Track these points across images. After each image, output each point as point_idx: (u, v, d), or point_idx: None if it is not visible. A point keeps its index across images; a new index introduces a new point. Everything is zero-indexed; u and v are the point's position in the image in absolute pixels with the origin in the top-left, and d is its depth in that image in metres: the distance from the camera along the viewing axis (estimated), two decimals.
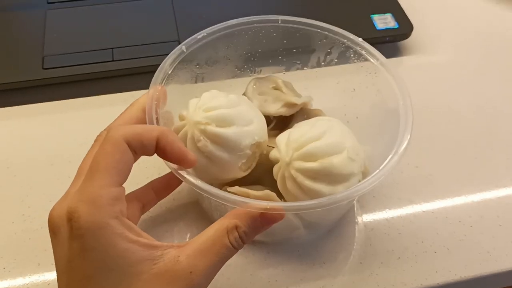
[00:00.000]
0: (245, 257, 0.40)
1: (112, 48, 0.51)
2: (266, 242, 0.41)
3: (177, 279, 0.29)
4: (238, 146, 0.37)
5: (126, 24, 0.54)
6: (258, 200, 0.32)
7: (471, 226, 0.43)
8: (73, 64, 0.49)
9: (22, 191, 0.44)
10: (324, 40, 0.44)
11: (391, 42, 0.56)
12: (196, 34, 0.42)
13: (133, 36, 0.53)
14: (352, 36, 0.43)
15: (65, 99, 0.51)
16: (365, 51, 0.42)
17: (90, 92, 0.51)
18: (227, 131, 0.37)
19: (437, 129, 0.51)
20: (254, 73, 0.48)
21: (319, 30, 0.44)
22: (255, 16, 0.44)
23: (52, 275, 0.39)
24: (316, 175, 0.36)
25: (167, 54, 0.50)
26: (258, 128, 0.39)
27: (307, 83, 0.48)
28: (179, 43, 0.51)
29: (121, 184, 0.31)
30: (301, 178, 0.36)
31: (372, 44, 0.53)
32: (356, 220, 0.43)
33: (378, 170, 0.34)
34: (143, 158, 0.33)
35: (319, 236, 0.42)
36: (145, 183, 0.41)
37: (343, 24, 0.53)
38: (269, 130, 0.45)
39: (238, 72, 0.47)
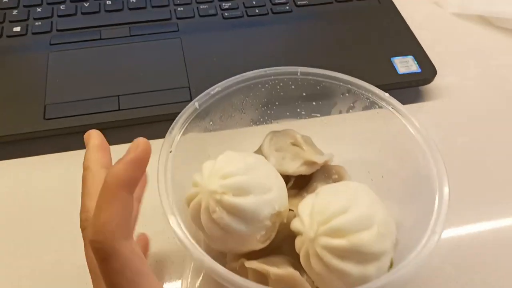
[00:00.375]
0: None
1: (118, 96, 0.48)
2: None
3: None
4: (256, 217, 0.34)
5: (133, 68, 0.51)
6: None
7: None
8: (76, 114, 0.46)
9: (21, 245, 0.41)
10: (347, 94, 0.41)
11: (413, 87, 0.53)
12: (209, 89, 0.39)
13: (141, 81, 0.50)
14: (377, 90, 0.40)
15: (69, 151, 0.48)
16: (392, 107, 0.39)
17: None
18: (245, 201, 0.33)
19: (464, 182, 0.47)
20: (271, 123, 0.44)
21: (341, 83, 0.41)
22: (272, 68, 0.41)
23: None
24: (345, 253, 0.32)
25: (177, 103, 0.48)
26: (278, 196, 0.35)
27: (326, 135, 0.44)
28: (189, 89, 0.49)
29: None
30: (328, 257, 0.33)
31: (393, 89, 0.50)
32: None
33: (416, 253, 0.31)
34: None
35: None
36: None
37: (363, 68, 0.51)
38: (288, 189, 0.42)
39: (253, 125, 0.43)
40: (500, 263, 0.41)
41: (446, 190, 0.34)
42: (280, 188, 0.36)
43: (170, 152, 0.36)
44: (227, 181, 0.34)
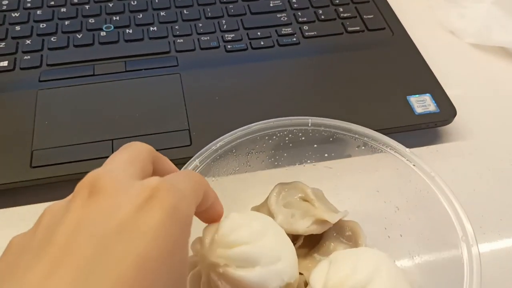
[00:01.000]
0: None
1: (111, 140, 0.44)
2: None
3: None
4: None
5: (128, 108, 0.47)
6: None
7: None
8: (66, 161, 0.42)
9: None
10: (363, 147, 0.37)
11: (431, 128, 0.49)
12: (212, 144, 0.35)
13: (136, 123, 0.46)
14: (397, 145, 0.36)
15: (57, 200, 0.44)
16: (414, 164, 0.35)
17: None
18: (250, 275, 0.30)
19: (486, 235, 0.43)
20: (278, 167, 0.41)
21: (356, 136, 0.37)
22: (281, 118, 0.37)
23: None
24: None
25: (176, 147, 0.44)
26: (287, 266, 0.31)
27: (339, 186, 0.41)
28: (189, 132, 0.45)
29: None
30: None
31: (410, 130, 0.47)
32: None
33: None
34: None
35: None
36: None
37: (378, 108, 0.48)
38: (297, 249, 0.38)
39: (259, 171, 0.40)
40: None
41: (476, 257, 0.31)
42: (289, 256, 0.32)
43: None
44: (231, 252, 0.30)
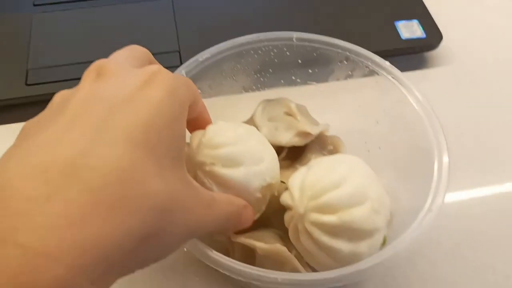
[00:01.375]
0: None
1: None
2: None
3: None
4: (246, 189, 0.32)
5: (120, 31, 0.48)
6: (267, 272, 0.27)
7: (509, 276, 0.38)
8: (60, 79, 0.44)
9: None
10: (345, 62, 0.38)
11: (417, 53, 0.50)
12: (198, 55, 0.37)
13: (128, 44, 0.47)
14: (377, 58, 0.37)
15: None
16: (392, 76, 0.37)
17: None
18: (235, 173, 0.31)
19: (469, 153, 0.45)
20: (263, 90, 0.42)
21: (339, 50, 0.38)
22: (266, 33, 0.38)
23: None
24: (335, 230, 0.31)
25: (166, 68, 0.45)
26: (269, 168, 0.33)
27: (323, 104, 0.42)
28: (179, 54, 0.47)
29: None
30: (317, 234, 0.31)
31: (396, 55, 0.48)
32: None
33: (410, 231, 0.29)
34: None
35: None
36: None
37: (365, 32, 0.48)
38: (280, 161, 0.40)
39: (246, 93, 0.41)
40: (500, 235, 0.39)
41: (445, 165, 0.33)
42: (271, 159, 0.34)
43: None
44: (217, 152, 0.32)
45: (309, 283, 0.27)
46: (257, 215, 0.34)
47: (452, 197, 0.42)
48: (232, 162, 0.32)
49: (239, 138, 0.33)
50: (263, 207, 0.34)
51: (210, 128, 0.34)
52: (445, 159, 0.33)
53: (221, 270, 0.28)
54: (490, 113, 0.48)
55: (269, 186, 0.33)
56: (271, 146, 0.35)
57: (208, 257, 0.28)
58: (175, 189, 0.23)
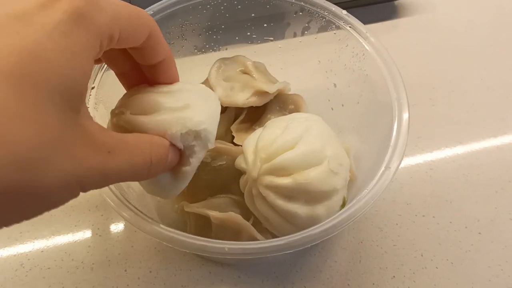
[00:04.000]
0: (211, 283, 0.34)
1: None
2: (235, 265, 0.35)
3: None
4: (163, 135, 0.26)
5: None
6: (214, 242, 0.26)
7: (480, 233, 0.36)
8: None
9: None
10: (300, 13, 0.36)
11: (388, 2, 0.47)
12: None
13: None
14: (333, 7, 0.35)
15: None
16: (350, 26, 0.34)
17: None
18: (145, 120, 0.26)
19: (438, 107, 0.43)
20: (219, 51, 0.39)
21: (293, 0, 0.35)
22: None
23: None
24: (290, 192, 0.29)
25: None
26: (195, 115, 0.26)
27: (282, 61, 0.40)
28: None
29: None
30: (272, 197, 0.29)
31: (367, 4, 0.45)
32: (342, 230, 0.36)
33: (367, 191, 0.27)
34: None
35: (298, 252, 0.35)
36: None
37: None
38: (238, 123, 0.38)
39: (199, 53, 0.39)
40: (466, 203, 0.38)
41: (405, 119, 0.30)
42: (203, 109, 0.27)
43: (92, 88, 0.31)
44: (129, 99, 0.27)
45: (257, 251, 0.25)
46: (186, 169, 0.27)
47: (415, 154, 0.40)
48: (146, 109, 0.26)
49: (170, 90, 0.28)
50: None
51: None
52: (405, 115, 0.31)
53: (165, 243, 0.26)
54: (459, 69, 0.46)
55: (195, 136, 0.26)
56: (218, 103, 0.29)
57: (151, 230, 0.26)
58: (52, 136, 0.19)
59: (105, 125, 0.30)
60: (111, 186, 0.27)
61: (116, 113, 0.26)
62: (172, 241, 0.25)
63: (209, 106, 0.28)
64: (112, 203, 0.26)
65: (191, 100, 0.27)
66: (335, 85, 0.38)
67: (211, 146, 0.27)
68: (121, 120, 0.26)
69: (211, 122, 0.27)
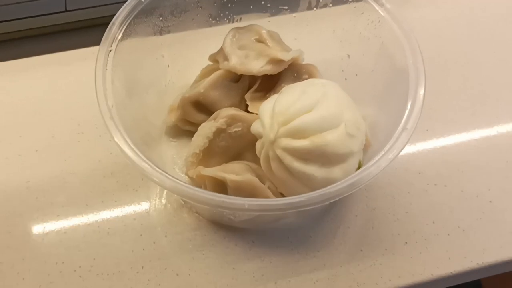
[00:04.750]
0: (226, 247, 0.34)
1: None
2: (249, 229, 0.35)
3: None
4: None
5: None
6: (233, 198, 0.26)
7: (491, 202, 0.36)
8: (20, 17, 0.41)
9: None
10: None
11: None
12: None
13: None
14: None
15: (7, 60, 0.43)
16: None
17: (41, 49, 0.44)
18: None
19: (451, 82, 0.43)
20: (233, 22, 0.40)
21: None
22: None
23: None
24: (307, 155, 0.29)
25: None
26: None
27: (297, 32, 0.40)
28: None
29: None
30: (288, 159, 0.30)
31: None
32: (356, 198, 0.37)
33: (383, 153, 0.28)
34: None
35: (312, 219, 0.36)
36: None
37: None
38: (253, 92, 0.38)
39: (213, 22, 0.39)
40: (477, 173, 0.38)
41: (422, 84, 0.31)
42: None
43: (110, 51, 0.31)
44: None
45: (276, 208, 0.26)
46: None
47: (427, 125, 0.40)
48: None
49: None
50: None
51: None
52: (421, 86, 0.31)
53: (186, 200, 0.26)
54: (471, 42, 0.46)
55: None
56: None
57: (176, 188, 0.26)
58: None
59: (123, 90, 0.31)
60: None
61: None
62: (193, 197, 0.26)
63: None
64: (132, 157, 0.27)
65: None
66: (348, 55, 0.38)
67: None
68: None
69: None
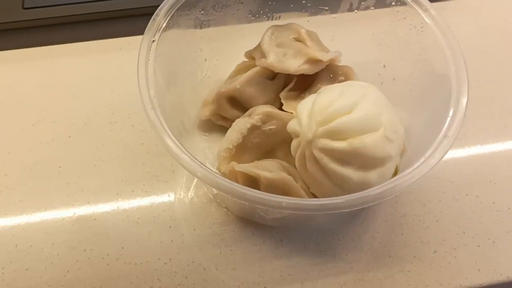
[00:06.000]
0: (253, 245, 0.34)
1: None
2: (278, 228, 0.35)
3: None
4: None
5: None
6: (271, 195, 0.26)
7: None
8: (58, 3, 0.41)
9: None
10: None
11: None
12: None
13: None
14: None
15: (50, 45, 0.44)
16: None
17: (80, 36, 0.44)
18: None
19: (485, 91, 0.43)
20: (272, 19, 0.40)
21: None
22: None
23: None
24: (345, 157, 0.29)
25: None
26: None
27: (335, 32, 0.40)
28: None
29: None
30: (325, 160, 0.29)
31: None
32: (385, 203, 0.36)
33: (423, 159, 0.27)
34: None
35: (341, 221, 0.36)
36: None
37: None
38: (288, 91, 0.38)
39: (253, 18, 0.39)
40: (509, 184, 0.38)
41: (465, 92, 0.30)
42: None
43: (153, 41, 0.31)
44: None
45: (315, 208, 0.26)
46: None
47: (460, 134, 0.40)
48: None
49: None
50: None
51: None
52: (464, 92, 0.31)
53: (226, 194, 0.26)
54: (505, 51, 0.45)
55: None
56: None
57: (216, 182, 0.26)
58: None
59: (163, 81, 0.31)
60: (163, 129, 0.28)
61: None
62: (235, 192, 0.26)
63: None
64: (173, 148, 0.27)
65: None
66: (387, 59, 0.38)
67: None
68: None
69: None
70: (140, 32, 0.32)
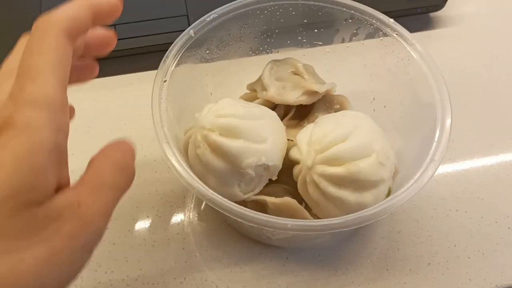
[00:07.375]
0: (261, 263, 0.37)
1: (114, 25, 0.46)
2: (284, 247, 0.38)
3: None
4: (238, 162, 0.32)
5: None
6: (277, 218, 0.29)
7: (509, 228, 0.39)
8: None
9: None
10: (350, 20, 0.39)
11: (423, 14, 0.50)
12: (205, 16, 0.38)
13: (137, 9, 0.48)
14: (381, 16, 0.38)
15: None
16: (396, 33, 0.38)
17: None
18: (229, 143, 0.32)
19: (471, 112, 0.46)
20: (271, 53, 0.43)
21: (344, 9, 0.39)
22: None
23: None
24: (341, 181, 0.32)
25: (174, 32, 0.46)
26: (270, 150, 0.33)
27: (329, 64, 0.43)
28: (188, 18, 0.47)
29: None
30: (324, 184, 0.33)
31: (401, 16, 0.48)
32: (382, 221, 0.39)
33: (413, 181, 0.31)
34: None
35: (342, 239, 0.39)
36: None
37: None
38: (288, 120, 0.41)
39: (253, 54, 0.42)
40: (496, 200, 0.41)
41: (448, 120, 0.34)
42: (277, 143, 0.34)
43: (164, 81, 0.35)
44: (219, 120, 0.33)
45: (316, 228, 0.29)
46: (249, 195, 0.35)
47: (448, 154, 0.43)
48: (232, 133, 0.32)
49: (249, 114, 0.34)
50: (258, 189, 0.35)
51: (224, 100, 0.35)
52: (448, 118, 0.34)
53: (234, 217, 0.29)
54: (491, 75, 0.49)
55: (266, 168, 0.34)
56: (283, 132, 0.36)
57: (223, 206, 0.29)
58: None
59: (174, 117, 0.34)
60: (177, 161, 0.31)
61: (207, 129, 0.32)
62: (240, 215, 0.29)
63: (280, 142, 0.35)
64: (183, 174, 0.30)
65: (267, 133, 0.34)
66: (378, 88, 0.41)
67: (274, 178, 0.35)
68: (210, 138, 0.32)
69: (280, 159, 0.35)
70: (147, 68, 0.35)
